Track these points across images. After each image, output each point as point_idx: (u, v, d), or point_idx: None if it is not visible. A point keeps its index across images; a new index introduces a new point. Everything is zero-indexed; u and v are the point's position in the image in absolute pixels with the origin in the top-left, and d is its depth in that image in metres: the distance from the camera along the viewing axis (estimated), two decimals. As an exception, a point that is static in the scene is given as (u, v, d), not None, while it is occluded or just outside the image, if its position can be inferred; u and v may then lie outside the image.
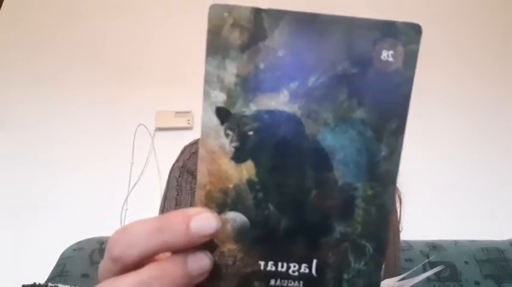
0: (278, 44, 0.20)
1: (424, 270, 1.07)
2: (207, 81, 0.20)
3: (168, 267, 0.19)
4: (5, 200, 1.30)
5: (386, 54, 0.20)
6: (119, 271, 0.20)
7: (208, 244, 0.20)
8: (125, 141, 1.35)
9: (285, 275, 0.21)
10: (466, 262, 1.09)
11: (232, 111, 0.20)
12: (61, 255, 1.03)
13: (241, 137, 0.20)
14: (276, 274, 0.21)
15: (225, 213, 0.21)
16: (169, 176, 0.63)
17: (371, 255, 0.21)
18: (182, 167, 0.61)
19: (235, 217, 0.21)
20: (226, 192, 0.21)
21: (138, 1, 1.51)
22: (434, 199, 1.36)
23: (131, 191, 1.33)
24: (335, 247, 0.21)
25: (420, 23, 0.20)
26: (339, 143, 0.21)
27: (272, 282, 0.21)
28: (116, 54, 1.44)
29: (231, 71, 0.20)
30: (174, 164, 0.63)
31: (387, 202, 0.21)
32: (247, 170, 0.21)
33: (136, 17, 1.48)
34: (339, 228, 0.21)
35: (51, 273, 0.99)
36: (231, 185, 0.21)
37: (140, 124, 1.36)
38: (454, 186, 1.39)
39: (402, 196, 0.71)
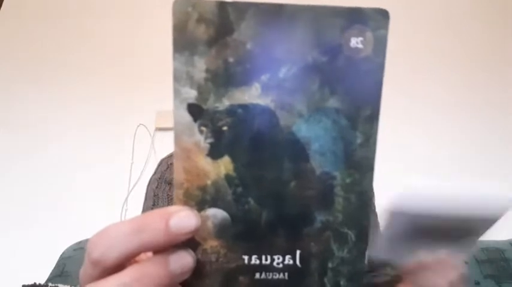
0: (246, 37, 0.20)
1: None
2: (176, 78, 0.20)
3: (149, 267, 0.19)
4: (5, 200, 1.30)
5: (355, 41, 0.20)
6: (100, 274, 0.19)
7: (190, 242, 0.20)
8: (124, 141, 1.35)
9: (270, 268, 0.21)
10: (466, 262, 1.09)
11: (205, 107, 0.20)
12: (61, 255, 1.03)
13: (216, 133, 0.20)
14: (261, 267, 0.21)
15: (205, 210, 0.21)
16: (147, 189, 0.63)
17: (353, 242, 0.21)
18: (160, 178, 0.61)
19: (216, 213, 0.21)
20: (204, 189, 0.21)
21: (138, 1, 1.51)
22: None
23: (131, 191, 1.33)
24: (317, 236, 0.21)
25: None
26: (314, 133, 0.20)
27: (257, 275, 0.21)
28: (116, 54, 1.44)
29: (200, 67, 0.20)
30: (151, 177, 0.64)
31: (366, 189, 0.21)
32: (224, 165, 0.20)
33: (137, 17, 1.48)
34: (320, 217, 0.21)
35: (51, 273, 0.99)
36: (209, 182, 0.20)
37: (140, 124, 1.36)
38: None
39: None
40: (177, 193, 0.21)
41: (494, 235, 1.22)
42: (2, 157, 1.34)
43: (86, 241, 1.03)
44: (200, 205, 0.21)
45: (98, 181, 1.33)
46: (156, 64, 1.40)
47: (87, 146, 1.36)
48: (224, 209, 0.21)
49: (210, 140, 0.20)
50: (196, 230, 0.20)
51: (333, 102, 0.20)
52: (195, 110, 0.20)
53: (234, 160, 0.21)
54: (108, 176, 1.34)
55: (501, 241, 1.16)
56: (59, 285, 0.75)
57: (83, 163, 1.34)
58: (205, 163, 0.20)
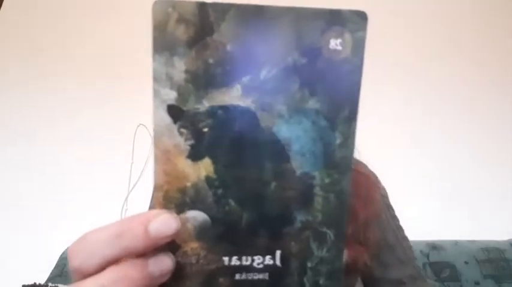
0: (226, 38, 0.20)
1: (424, 270, 1.08)
2: (156, 79, 0.20)
3: (128, 270, 0.19)
4: (5, 201, 1.30)
5: (334, 43, 0.20)
6: (82, 279, 0.19)
7: (170, 244, 0.20)
8: (125, 141, 1.35)
9: (250, 269, 0.21)
10: (466, 262, 1.09)
11: (185, 108, 0.20)
12: (61, 255, 1.03)
13: (196, 135, 0.20)
14: (241, 268, 0.21)
15: (185, 212, 0.21)
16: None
17: (332, 242, 0.22)
18: None
19: (196, 216, 0.21)
20: (184, 191, 0.20)
21: (139, 1, 1.51)
22: (434, 199, 1.36)
23: (131, 191, 1.33)
24: (297, 236, 0.21)
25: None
26: (294, 134, 0.21)
27: (237, 276, 0.21)
28: (116, 54, 1.44)
29: (180, 68, 0.19)
30: None
31: (345, 189, 0.21)
32: (204, 167, 0.20)
33: (137, 16, 1.48)
34: (300, 217, 0.21)
35: (51, 273, 0.99)
36: (189, 184, 0.20)
37: (140, 124, 1.36)
38: (454, 186, 1.39)
39: (403, 196, 0.71)
40: (157, 195, 0.20)
41: (494, 235, 1.22)
42: (2, 157, 1.34)
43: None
44: (180, 208, 0.20)
45: (98, 180, 1.33)
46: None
47: (87, 146, 1.36)
48: (204, 211, 0.21)
49: (190, 142, 0.20)
50: (176, 234, 0.20)
51: (312, 104, 0.20)
52: (175, 112, 0.20)
53: (214, 161, 0.20)
54: (108, 176, 1.34)
55: (501, 241, 1.16)
56: (58, 285, 0.75)
57: (83, 163, 1.34)
58: (185, 165, 0.20)
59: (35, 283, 0.73)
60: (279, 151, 0.21)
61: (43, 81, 1.40)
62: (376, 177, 0.69)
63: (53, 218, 1.28)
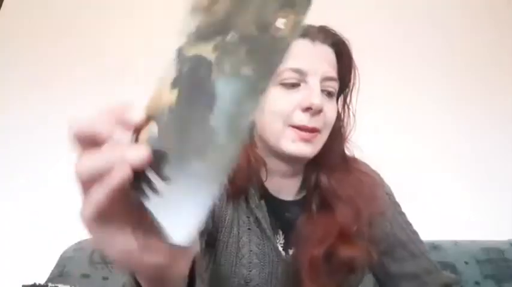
0: (222, 9, 0.25)
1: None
2: (184, 25, 0.26)
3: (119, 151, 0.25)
4: (5, 200, 1.30)
5: (280, 22, 0.23)
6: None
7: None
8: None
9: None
10: (466, 262, 1.09)
11: (182, 51, 0.26)
12: (61, 255, 1.03)
13: (179, 72, 0.26)
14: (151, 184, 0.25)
15: (150, 123, 0.26)
16: None
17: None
18: None
19: (153, 129, 0.26)
20: (157, 109, 0.26)
21: (139, 1, 1.51)
22: (435, 199, 1.36)
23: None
24: (191, 179, 0.24)
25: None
26: (223, 92, 0.24)
27: (144, 201, 0.25)
28: (117, 53, 1.44)
29: (194, 23, 0.26)
30: None
31: (234, 155, 0.23)
32: (173, 96, 0.25)
33: (138, 16, 1.48)
34: (195, 163, 0.24)
35: (51, 273, 0.99)
36: (161, 106, 0.26)
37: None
38: (455, 186, 1.39)
39: (403, 196, 0.71)
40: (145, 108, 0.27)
41: (494, 235, 1.21)
42: (3, 156, 1.34)
43: (86, 241, 1.03)
44: (149, 118, 0.26)
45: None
46: (157, 64, 1.40)
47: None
48: (159, 129, 0.25)
49: (175, 75, 0.26)
50: (137, 126, 0.26)
51: (247, 70, 0.24)
52: (179, 52, 0.26)
53: (178, 94, 0.25)
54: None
55: (501, 241, 1.16)
56: (58, 285, 0.75)
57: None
58: (167, 91, 0.26)
59: (34, 283, 0.74)
60: (209, 100, 0.24)
61: (43, 81, 1.40)
62: (379, 176, 0.69)
63: (53, 218, 1.28)
